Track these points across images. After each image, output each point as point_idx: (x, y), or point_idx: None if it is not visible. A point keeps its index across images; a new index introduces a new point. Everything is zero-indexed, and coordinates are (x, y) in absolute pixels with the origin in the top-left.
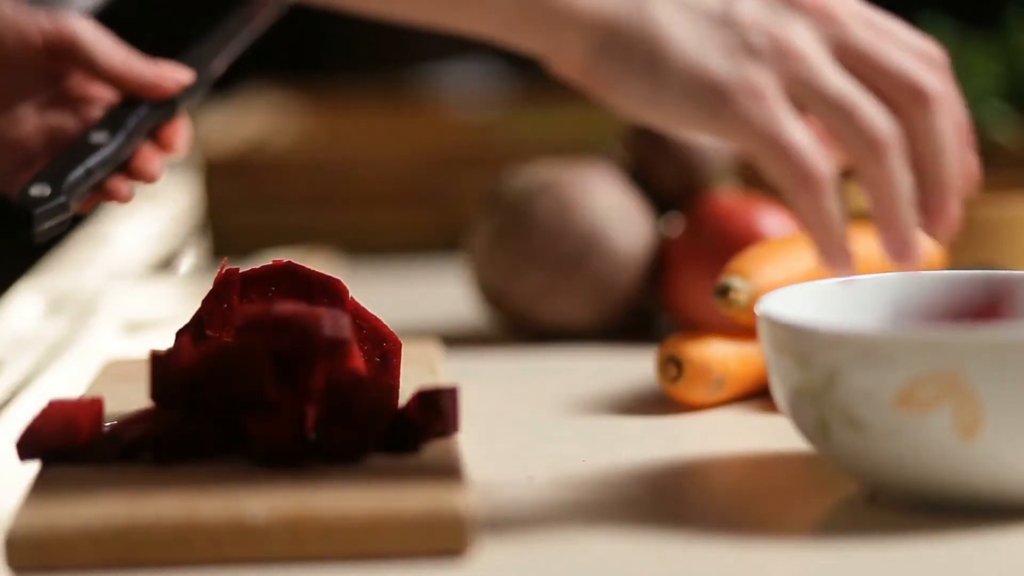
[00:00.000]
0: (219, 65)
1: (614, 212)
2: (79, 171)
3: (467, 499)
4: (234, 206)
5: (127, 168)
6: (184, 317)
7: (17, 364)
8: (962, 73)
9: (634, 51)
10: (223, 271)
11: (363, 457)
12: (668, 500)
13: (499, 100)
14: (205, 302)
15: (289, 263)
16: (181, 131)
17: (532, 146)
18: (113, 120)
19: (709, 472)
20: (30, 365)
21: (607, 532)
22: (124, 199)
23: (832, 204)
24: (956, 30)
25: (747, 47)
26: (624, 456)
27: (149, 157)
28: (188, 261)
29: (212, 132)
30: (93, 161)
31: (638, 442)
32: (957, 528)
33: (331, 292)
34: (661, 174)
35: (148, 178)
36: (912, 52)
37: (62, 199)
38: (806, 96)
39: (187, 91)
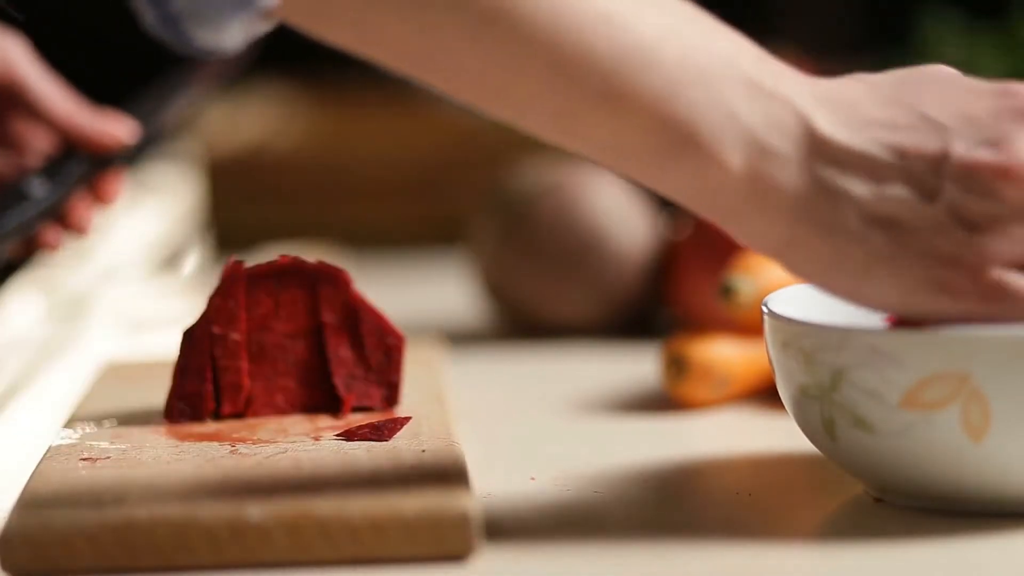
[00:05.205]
0: (169, 119)
1: (617, 212)
2: (10, 223)
3: (469, 500)
4: (238, 202)
5: (59, 218)
6: (188, 315)
7: (16, 364)
8: (968, 67)
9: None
10: (229, 267)
11: None
12: (671, 501)
13: None
14: (211, 299)
15: (295, 258)
16: (116, 183)
17: (535, 139)
18: (52, 171)
19: (712, 473)
20: (29, 365)
21: (610, 533)
22: (52, 248)
23: None
24: (962, 23)
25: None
26: (627, 456)
27: (83, 208)
28: (192, 259)
29: (215, 129)
30: (27, 214)
31: (641, 442)
32: (964, 529)
33: (335, 281)
34: None
35: (79, 229)
36: None
37: None
38: None
39: (129, 146)
